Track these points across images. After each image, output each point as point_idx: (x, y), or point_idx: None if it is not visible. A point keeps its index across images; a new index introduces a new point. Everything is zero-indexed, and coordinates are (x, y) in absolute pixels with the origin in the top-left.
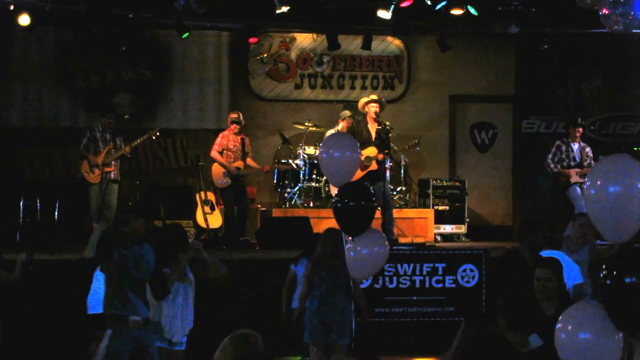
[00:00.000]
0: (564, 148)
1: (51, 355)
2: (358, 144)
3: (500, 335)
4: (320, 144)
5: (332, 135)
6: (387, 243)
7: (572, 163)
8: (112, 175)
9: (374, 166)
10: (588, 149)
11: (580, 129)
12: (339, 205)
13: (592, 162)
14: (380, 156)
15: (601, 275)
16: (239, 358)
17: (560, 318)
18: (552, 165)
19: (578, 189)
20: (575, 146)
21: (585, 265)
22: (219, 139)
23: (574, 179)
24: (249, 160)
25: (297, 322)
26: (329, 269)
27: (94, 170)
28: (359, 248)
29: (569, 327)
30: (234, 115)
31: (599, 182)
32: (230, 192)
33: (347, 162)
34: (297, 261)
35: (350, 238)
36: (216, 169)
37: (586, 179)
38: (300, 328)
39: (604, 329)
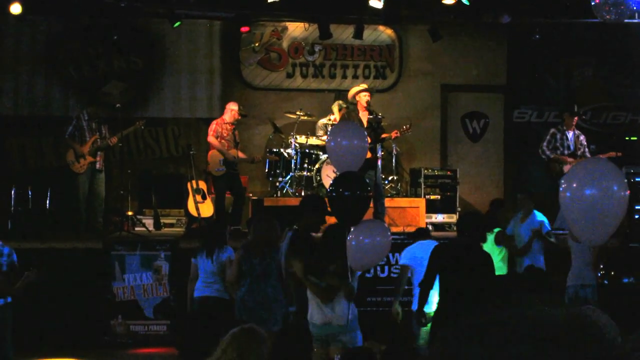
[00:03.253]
0: (558, 136)
1: (42, 341)
2: (366, 133)
3: None
4: (328, 133)
5: (340, 123)
6: (389, 233)
7: (566, 152)
8: (98, 166)
9: (367, 154)
10: (582, 137)
11: (576, 118)
12: (334, 194)
13: (586, 150)
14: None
15: (599, 275)
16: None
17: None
18: (547, 152)
19: None
20: (570, 134)
21: None
22: (213, 126)
23: (568, 168)
24: (238, 152)
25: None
26: (260, 256)
27: (79, 159)
28: (361, 238)
29: (574, 185)
30: (238, 108)
31: (575, 185)
32: (223, 181)
33: (355, 150)
34: (197, 253)
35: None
36: (213, 156)
37: (562, 181)
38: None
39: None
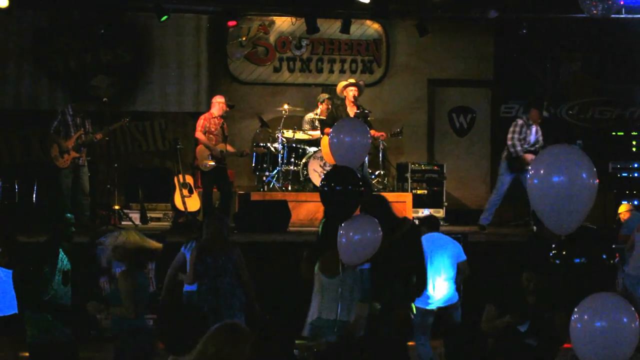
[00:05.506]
0: (524, 128)
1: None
2: (368, 129)
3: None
4: (331, 129)
5: (343, 119)
6: (379, 228)
7: (526, 146)
8: (81, 161)
9: None
10: (540, 131)
11: (541, 113)
12: (325, 189)
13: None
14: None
15: (551, 254)
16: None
17: (575, 309)
18: (518, 148)
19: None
20: (534, 128)
21: None
22: (201, 121)
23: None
24: (227, 146)
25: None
26: (213, 255)
27: (63, 155)
28: (351, 233)
29: (585, 317)
30: (225, 100)
31: (542, 172)
32: (211, 175)
33: (358, 146)
34: (187, 244)
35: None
36: (201, 151)
37: (530, 168)
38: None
39: (621, 318)
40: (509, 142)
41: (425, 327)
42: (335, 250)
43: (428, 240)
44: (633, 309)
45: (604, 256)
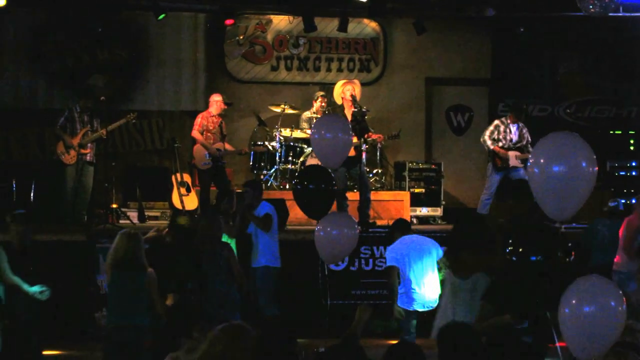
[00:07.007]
0: (501, 128)
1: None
2: (350, 126)
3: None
4: (313, 125)
5: (325, 116)
6: (356, 225)
7: (508, 144)
8: (88, 158)
9: (351, 152)
10: (525, 130)
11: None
12: (298, 187)
13: (529, 144)
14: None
15: (507, 251)
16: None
17: (564, 293)
18: (488, 142)
19: (522, 171)
20: (514, 127)
21: None
22: (198, 120)
23: (513, 162)
24: (225, 144)
25: None
26: (204, 253)
27: (69, 151)
28: (329, 229)
29: (573, 302)
30: (222, 98)
31: (542, 161)
32: (208, 174)
33: (339, 143)
34: None
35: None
36: (198, 150)
37: (530, 157)
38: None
39: (607, 303)
40: (481, 138)
41: (409, 328)
42: (470, 251)
43: (403, 243)
44: (620, 291)
45: (559, 254)
